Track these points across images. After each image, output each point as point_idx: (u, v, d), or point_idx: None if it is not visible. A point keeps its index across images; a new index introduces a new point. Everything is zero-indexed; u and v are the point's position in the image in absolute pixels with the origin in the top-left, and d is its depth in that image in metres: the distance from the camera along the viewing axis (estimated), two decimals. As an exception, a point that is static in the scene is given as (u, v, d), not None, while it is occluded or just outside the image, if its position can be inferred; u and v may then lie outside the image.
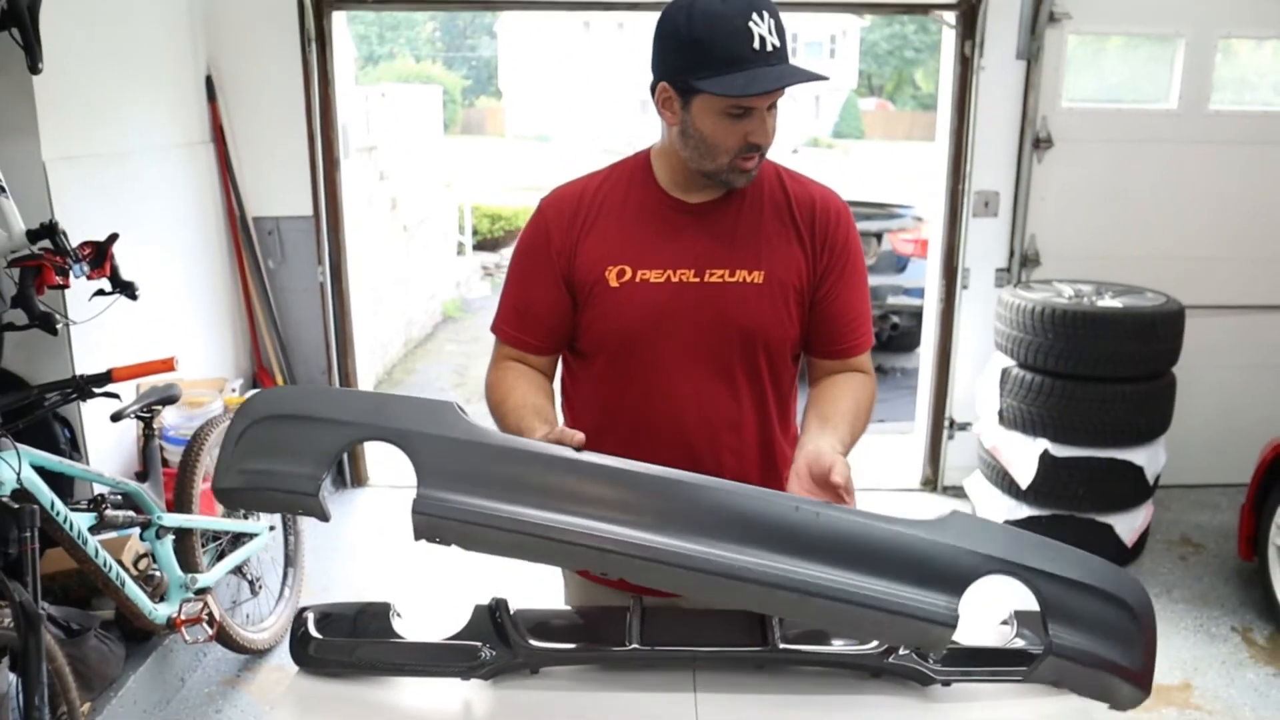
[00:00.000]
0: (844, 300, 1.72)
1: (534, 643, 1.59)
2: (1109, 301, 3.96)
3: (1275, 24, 4.42)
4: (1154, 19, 4.40)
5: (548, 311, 1.71)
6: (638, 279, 1.65)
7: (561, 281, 1.69)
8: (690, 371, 1.68)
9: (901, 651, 1.58)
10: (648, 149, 1.74)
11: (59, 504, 2.44)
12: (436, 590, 3.90)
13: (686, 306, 1.65)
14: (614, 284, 1.65)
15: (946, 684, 1.57)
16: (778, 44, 1.50)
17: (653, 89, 1.61)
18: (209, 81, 4.30)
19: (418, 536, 1.39)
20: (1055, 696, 1.58)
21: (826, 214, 1.70)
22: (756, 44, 1.48)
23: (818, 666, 1.61)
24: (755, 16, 1.49)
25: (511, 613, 1.63)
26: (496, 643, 1.60)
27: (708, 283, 1.65)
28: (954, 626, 1.36)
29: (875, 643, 1.59)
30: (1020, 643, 1.67)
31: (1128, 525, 3.99)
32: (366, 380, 5.08)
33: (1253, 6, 4.35)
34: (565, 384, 1.84)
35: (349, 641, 1.67)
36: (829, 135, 34.73)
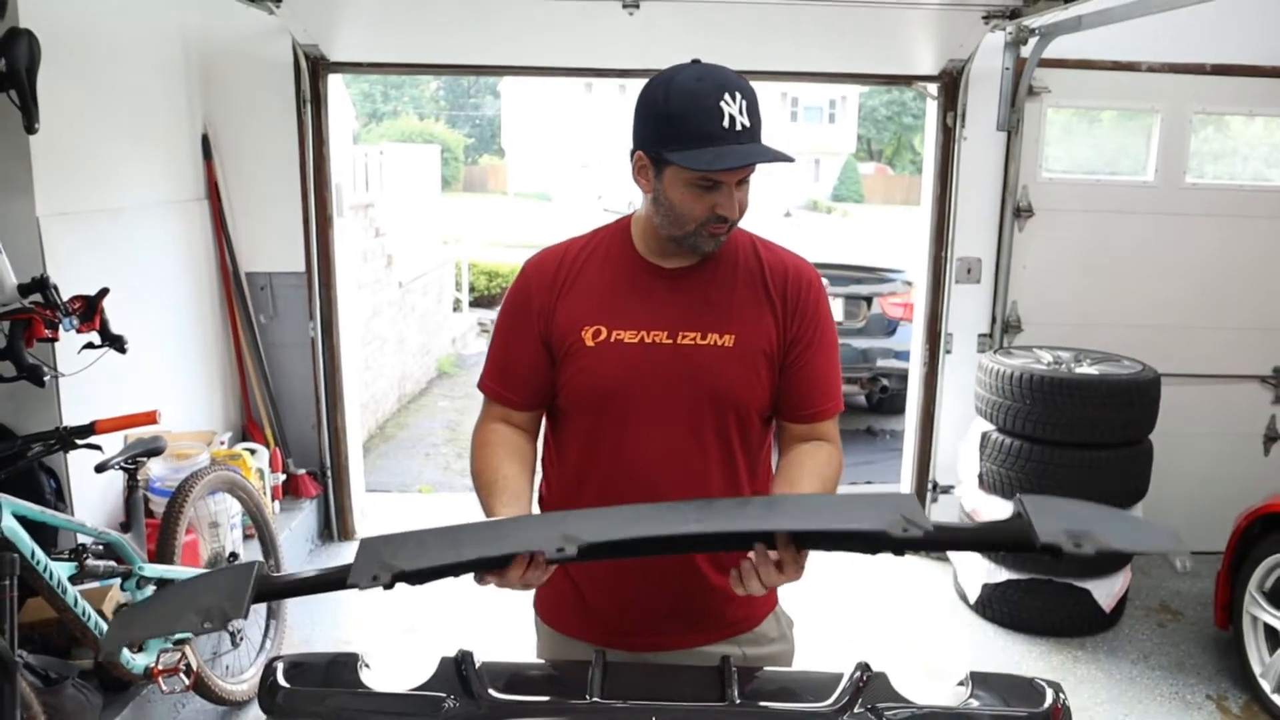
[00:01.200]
0: (813, 366, 1.76)
1: (496, 695, 1.62)
2: (1086, 369, 4.03)
3: (1248, 101, 4.54)
4: (1130, 94, 4.53)
5: (528, 369, 1.77)
6: (613, 339, 1.71)
7: (540, 341, 1.75)
8: (661, 429, 1.72)
9: (857, 710, 1.61)
10: (629, 216, 1.81)
11: (39, 553, 2.47)
12: (416, 643, 3.90)
13: (659, 367, 1.70)
14: (590, 343, 1.71)
15: None
16: (748, 124, 1.57)
17: (631, 155, 1.69)
18: (205, 140, 4.41)
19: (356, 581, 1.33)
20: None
21: (799, 282, 1.76)
22: (726, 122, 1.55)
23: (774, 722, 1.64)
24: (728, 97, 1.56)
25: (476, 665, 1.66)
26: (461, 694, 1.63)
27: (680, 345, 1.70)
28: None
29: (830, 701, 1.62)
30: (975, 704, 1.70)
31: (1105, 591, 4.01)
32: (356, 435, 5.12)
33: (1225, 84, 4.48)
34: (548, 437, 1.88)
35: (318, 691, 1.69)
36: (828, 199, 35.09)
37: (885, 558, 4.18)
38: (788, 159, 1.62)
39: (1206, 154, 4.81)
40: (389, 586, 1.27)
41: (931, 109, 4.61)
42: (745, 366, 1.72)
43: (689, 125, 1.57)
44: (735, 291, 1.73)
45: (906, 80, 4.71)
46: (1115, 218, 4.60)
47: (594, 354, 1.71)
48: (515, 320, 1.78)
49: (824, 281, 1.83)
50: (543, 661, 1.90)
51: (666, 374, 1.70)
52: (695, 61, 1.63)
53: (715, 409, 1.72)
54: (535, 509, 1.80)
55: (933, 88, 4.54)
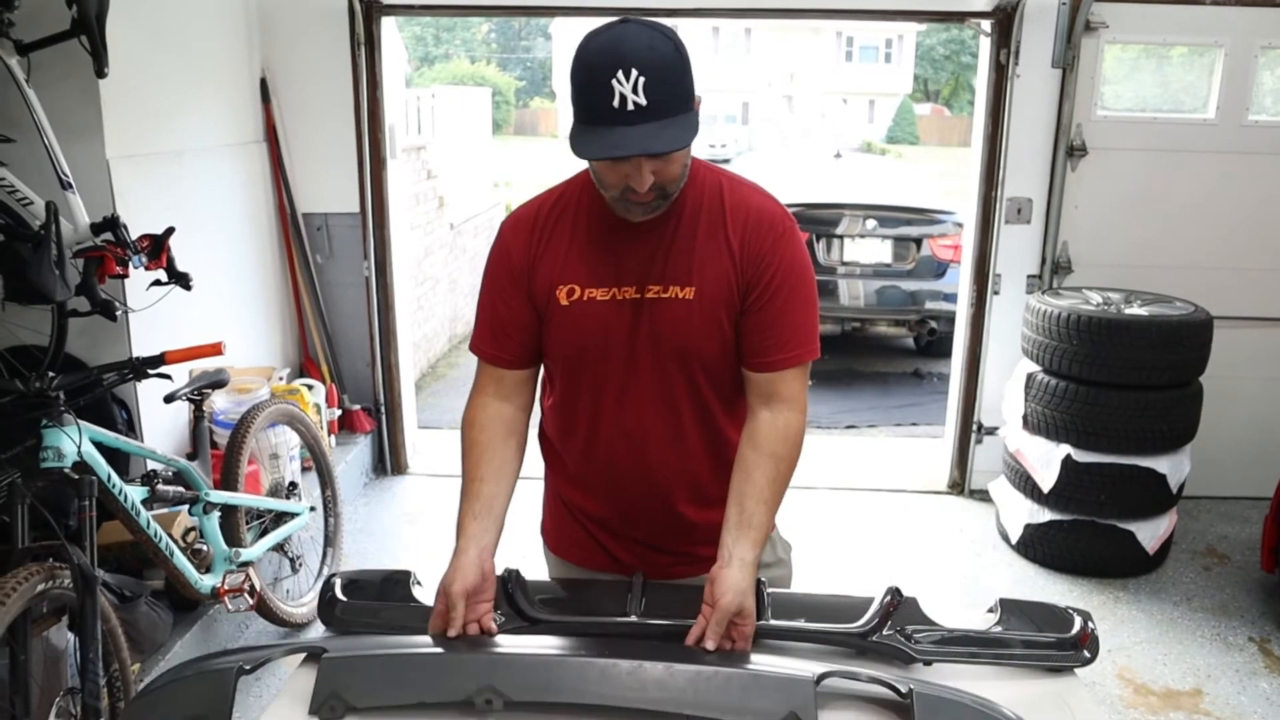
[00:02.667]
0: (773, 313, 1.71)
1: (541, 610, 1.72)
2: (1136, 310, 4.00)
3: (1315, 36, 4.41)
4: (1192, 29, 4.42)
5: (518, 327, 1.77)
6: (585, 297, 1.71)
7: (526, 297, 1.75)
8: (634, 385, 1.75)
9: (886, 631, 1.68)
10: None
11: (115, 477, 2.61)
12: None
13: (629, 323, 1.71)
14: (564, 302, 1.72)
15: (928, 663, 1.66)
16: (643, 102, 1.49)
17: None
18: (263, 84, 4.50)
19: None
20: (1032, 679, 1.66)
21: (760, 225, 1.71)
22: (616, 102, 1.49)
23: (805, 641, 1.71)
24: (620, 74, 1.48)
25: (524, 583, 1.76)
26: (508, 609, 1.72)
27: (646, 299, 1.70)
28: None
29: (861, 622, 1.69)
30: (1002, 629, 1.75)
31: (1150, 533, 4.02)
32: (409, 373, 5.25)
33: (1293, 18, 4.35)
34: (544, 387, 1.92)
35: (372, 605, 1.80)
36: (882, 140, 34.52)
37: (939, 491, 4.21)
38: (658, 150, 1.53)
39: (1274, 91, 4.70)
40: (341, 717, 1.37)
41: (985, 46, 4.55)
42: (706, 318, 1.70)
43: (584, 99, 1.53)
44: (697, 240, 1.70)
45: (960, 17, 4.64)
46: (1172, 156, 4.52)
47: (569, 313, 1.72)
48: (500, 280, 1.78)
49: (795, 223, 1.78)
50: (585, 579, 1.99)
51: (635, 330, 1.71)
52: (624, 21, 1.55)
53: (681, 363, 1.73)
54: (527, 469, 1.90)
55: (986, 24, 4.47)
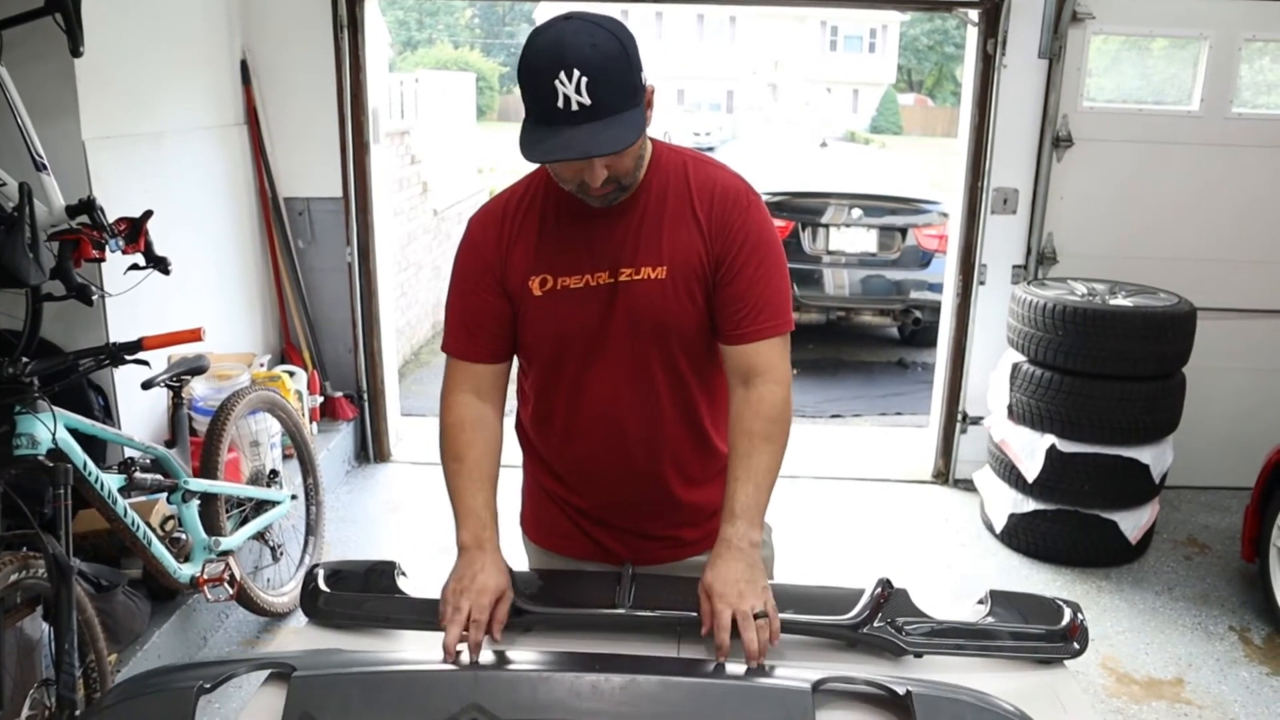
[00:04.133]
0: (744, 283, 1.70)
1: (529, 603, 1.69)
2: (1120, 301, 4.00)
3: (1300, 27, 4.42)
4: (1178, 20, 4.42)
5: (492, 320, 1.75)
6: (559, 286, 1.71)
7: (500, 291, 1.74)
8: (611, 369, 1.74)
9: (877, 623, 1.66)
10: None
11: (91, 465, 2.57)
12: (449, 559, 4.02)
13: (603, 308, 1.71)
14: (538, 293, 1.71)
15: (919, 656, 1.65)
16: (587, 102, 1.48)
17: None
18: (244, 65, 4.43)
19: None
20: (1022, 670, 1.65)
21: (725, 199, 1.71)
22: (560, 103, 1.48)
23: (795, 634, 1.69)
24: (563, 75, 1.47)
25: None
26: None
27: (619, 282, 1.70)
28: None
29: (851, 615, 1.67)
30: (992, 620, 1.74)
31: (1132, 522, 4.03)
32: (392, 360, 5.20)
33: (1278, 9, 4.35)
34: (519, 377, 1.91)
35: (356, 596, 1.77)
36: (866, 129, 34.55)
37: (924, 480, 4.23)
38: (599, 152, 1.52)
39: (1261, 85, 4.71)
40: None
41: (972, 36, 4.53)
42: (679, 295, 1.70)
43: (528, 99, 1.53)
44: (664, 219, 1.70)
45: (947, 6, 4.63)
46: (1157, 148, 4.52)
47: (542, 303, 1.72)
48: (471, 276, 1.76)
49: (760, 197, 1.77)
50: (572, 570, 1.96)
51: (610, 315, 1.71)
52: (567, 18, 1.54)
53: (658, 342, 1.73)
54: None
55: (973, 14, 4.45)
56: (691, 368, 1.77)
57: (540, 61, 1.50)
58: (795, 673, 1.48)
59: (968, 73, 4.62)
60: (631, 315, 1.70)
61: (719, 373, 1.79)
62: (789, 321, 1.74)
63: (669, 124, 29.69)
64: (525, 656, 1.60)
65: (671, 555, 1.89)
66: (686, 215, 1.70)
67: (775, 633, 1.58)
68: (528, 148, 1.53)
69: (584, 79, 1.47)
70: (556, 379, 1.78)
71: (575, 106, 1.48)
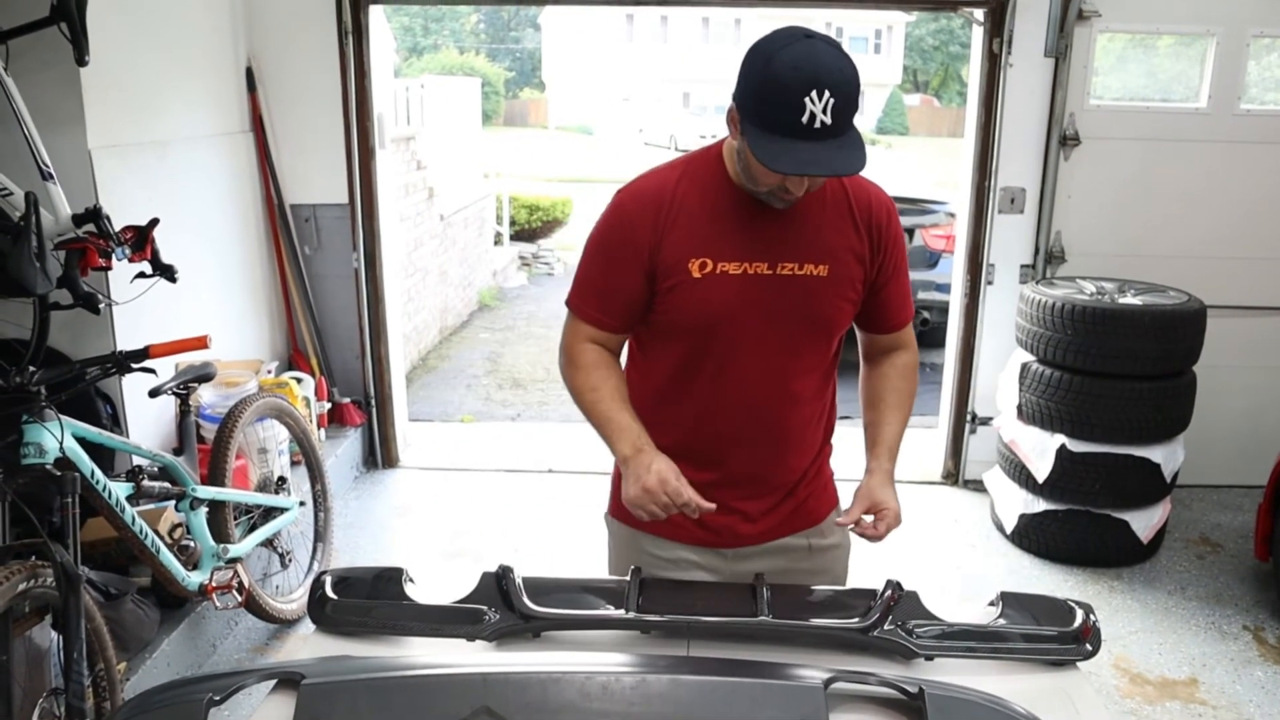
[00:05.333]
0: (894, 285, 1.91)
1: (535, 607, 1.68)
2: (1130, 299, 3.98)
3: (1309, 23, 4.39)
4: (1185, 17, 4.40)
5: (629, 297, 1.84)
6: (718, 271, 1.78)
7: (644, 272, 1.81)
8: (761, 354, 1.83)
9: (888, 625, 1.65)
10: (719, 142, 1.85)
11: (99, 473, 2.57)
12: (457, 565, 4.02)
13: (760, 296, 1.79)
14: (696, 275, 1.78)
15: (929, 658, 1.63)
16: (829, 122, 1.56)
17: (729, 111, 1.72)
18: (249, 72, 4.44)
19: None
20: (1035, 673, 1.64)
21: (882, 212, 1.86)
22: (806, 119, 1.56)
23: (806, 638, 1.68)
24: (814, 94, 1.55)
25: (517, 580, 1.72)
26: (501, 607, 1.69)
27: (779, 275, 1.79)
28: None
29: (861, 617, 1.66)
30: (1003, 622, 1.73)
31: (1144, 522, 4.01)
32: (399, 366, 5.20)
33: (1285, 5, 4.33)
34: (633, 350, 1.98)
35: (363, 603, 1.76)
36: (872, 130, 34.49)
37: (933, 481, 4.20)
38: (848, 173, 1.64)
39: (1269, 81, 4.68)
40: None
41: (977, 35, 4.51)
42: (838, 294, 1.83)
43: (771, 112, 1.59)
44: (825, 221, 1.81)
45: (952, 5, 4.61)
46: (1165, 146, 4.50)
47: (701, 285, 1.78)
48: (617, 249, 1.83)
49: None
50: (580, 577, 1.95)
51: (767, 303, 1.80)
52: (809, 36, 1.61)
53: (811, 333, 1.85)
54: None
55: (979, 13, 4.44)
56: (829, 359, 1.93)
57: (793, 76, 1.56)
58: (807, 672, 1.47)
59: (973, 72, 4.61)
60: (789, 307, 1.80)
61: (837, 356, 1.97)
62: (914, 305, 2.01)
63: (675, 127, 29.76)
64: (534, 659, 1.59)
65: (763, 536, 1.98)
66: (846, 220, 1.83)
67: (889, 527, 1.91)
68: (773, 158, 1.60)
69: (833, 100, 1.56)
70: (701, 360, 1.85)
71: (819, 124, 1.56)
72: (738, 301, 1.79)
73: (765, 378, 1.85)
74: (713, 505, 1.75)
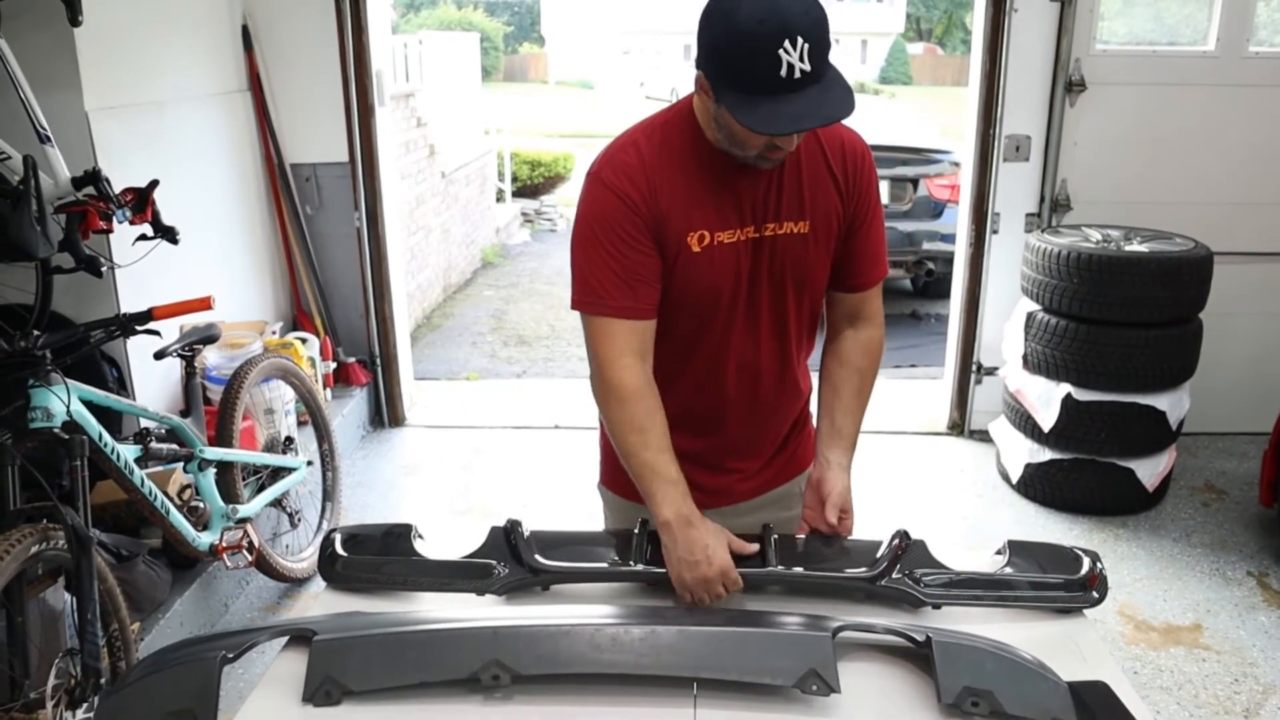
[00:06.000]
0: (866, 235, 1.82)
1: (545, 561, 1.69)
2: (1136, 247, 3.96)
3: (1319, -37, 4.32)
4: (1192, -42, 4.33)
5: (652, 274, 1.71)
6: (715, 242, 1.71)
7: (655, 244, 1.70)
8: (755, 320, 1.79)
9: (895, 575, 1.66)
10: (685, 100, 1.73)
11: (107, 436, 2.58)
12: (465, 521, 4.04)
13: (751, 260, 1.74)
14: (696, 249, 1.70)
15: (937, 607, 1.65)
16: (808, 69, 1.47)
17: (696, 79, 1.62)
18: (245, 31, 4.39)
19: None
20: (1041, 620, 1.65)
21: (855, 157, 1.78)
22: (784, 72, 1.46)
23: (814, 587, 1.69)
24: (787, 44, 1.45)
25: (525, 534, 1.73)
26: (510, 561, 1.70)
27: (764, 236, 1.73)
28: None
29: (869, 566, 1.67)
30: (1010, 571, 1.74)
31: (1149, 470, 4.02)
32: (404, 324, 5.20)
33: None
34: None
35: (373, 560, 1.78)
36: (875, 80, 34.15)
37: (939, 432, 4.20)
38: (842, 117, 1.53)
39: (1272, 22, 4.61)
40: (337, 703, 1.35)
41: (982, -20, 4.45)
42: (820, 250, 1.78)
43: (746, 71, 1.48)
44: (803, 176, 1.74)
45: (956, -50, 4.53)
46: (1172, 90, 4.45)
47: (702, 258, 1.71)
48: (622, 226, 1.68)
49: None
50: (588, 530, 1.96)
51: (757, 268, 1.75)
52: None
53: (796, 291, 1.80)
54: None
55: (983, -43, 4.37)
56: (811, 317, 1.88)
57: (760, 30, 1.45)
58: (815, 621, 1.48)
59: (978, 18, 4.54)
60: (776, 269, 1.76)
61: (817, 317, 1.92)
62: (887, 267, 1.90)
63: (675, 80, 29.46)
64: (544, 612, 1.61)
65: (759, 490, 1.99)
66: (823, 172, 1.75)
67: (847, 528, 1.85)
68: (761, 122, 1.49)
69: (807, 45, 1.46)
70: (702, 333, 1.79)
71: (799, 74, 1.46)
72: (735, 270, 1.73)
73: (760, 342, 1.81)
74: (755, 547, 1.71)
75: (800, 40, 1.45)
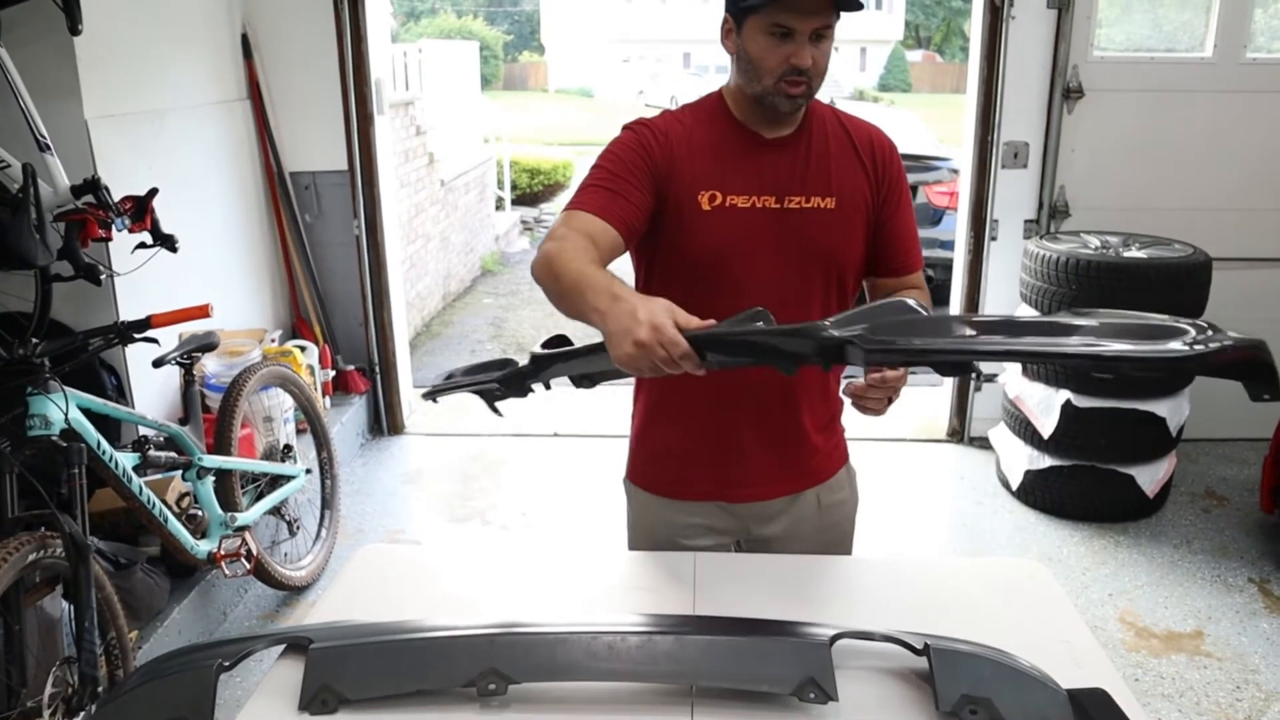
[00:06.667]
0: (898, 224, 1.87)
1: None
2: (1134, 253, 3.96)
3: (1315, -30, 4.34)
4: (1190, -35, 4.34)
5: (636, 205, 1.71)
6: (727, 203, 1.76)
7: (654, 187, 1.74)
8: (772, 288, 1.78)
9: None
10: (719, 90, 1.85)
11: (105, 444, 2.58)
12: (467, 529, 4.04)
13: (769, 230, 1.77)
14: (706, 207, 1.76)
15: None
16: None
17: (722, 23, 1.76)
18: (245, 39, 4.40)
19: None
20: (1037, 619, 1.65)
21: (882, 146, 1.86)
22: None
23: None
24: None
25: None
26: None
27: (787, 208, 1.78)
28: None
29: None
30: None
31: (1149, 476, 4.01)
32: (403, 332, 5.20)
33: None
34: None
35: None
36: (874, 88, 34.22)
37: (939, 439, 4.18)
38: (847, 8, 1.65)
39: (1278, 29, 4.62)
40: (334, 712, 1.34)
41: (979, -13, 4.46)
42: (847, 226, 1.81)
43: None
44: (830, 156, 1.81)
45: (954, -42, 4.54)
46: (1170, 97, 4.46)
47: (710, 217, 1.76)
48: (630, 162, 1.73)
49: None
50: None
51: (776, 236, 1.78)
52: None
53: (821, 267, 1.82)
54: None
55: (981, -36, 4.38)
56: (839, 297, 1.86)
57: None
58: (813, 629, 1.47)
59: (975, 25, 4.55)
60: (799, 241, 1.78)
61: (852, 304, 1.89)
62: (922, 261, 1.93)
63: (675, 88, 29.54)
64: (542, 621, 1.61)
65: (775, 490, 1.95)
66: (850, 155, 1.82)
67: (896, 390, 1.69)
68: (766, 9, 1.63)
69: None
70: (713, 300, 1.68)
71: None
72: (747, 235, 1.76)
73: (780, 317, 1.74)
74: (712, 320, 1.43)
75: None
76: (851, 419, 1.99)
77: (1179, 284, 3.85)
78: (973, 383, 4.81)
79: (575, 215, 1.68)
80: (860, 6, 1.67)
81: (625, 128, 1.82)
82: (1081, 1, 4.31)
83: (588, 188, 1.74)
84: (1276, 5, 4.60)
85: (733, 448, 1.91)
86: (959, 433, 4.92)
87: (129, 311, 3.25)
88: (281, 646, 1.52)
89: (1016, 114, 4.46)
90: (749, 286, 1.78)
